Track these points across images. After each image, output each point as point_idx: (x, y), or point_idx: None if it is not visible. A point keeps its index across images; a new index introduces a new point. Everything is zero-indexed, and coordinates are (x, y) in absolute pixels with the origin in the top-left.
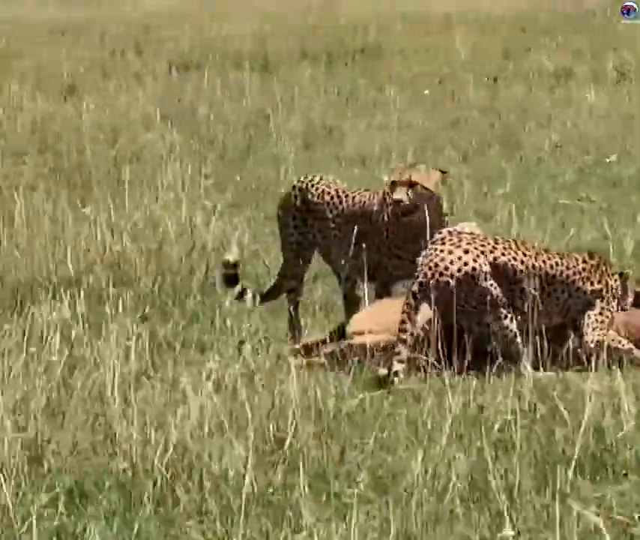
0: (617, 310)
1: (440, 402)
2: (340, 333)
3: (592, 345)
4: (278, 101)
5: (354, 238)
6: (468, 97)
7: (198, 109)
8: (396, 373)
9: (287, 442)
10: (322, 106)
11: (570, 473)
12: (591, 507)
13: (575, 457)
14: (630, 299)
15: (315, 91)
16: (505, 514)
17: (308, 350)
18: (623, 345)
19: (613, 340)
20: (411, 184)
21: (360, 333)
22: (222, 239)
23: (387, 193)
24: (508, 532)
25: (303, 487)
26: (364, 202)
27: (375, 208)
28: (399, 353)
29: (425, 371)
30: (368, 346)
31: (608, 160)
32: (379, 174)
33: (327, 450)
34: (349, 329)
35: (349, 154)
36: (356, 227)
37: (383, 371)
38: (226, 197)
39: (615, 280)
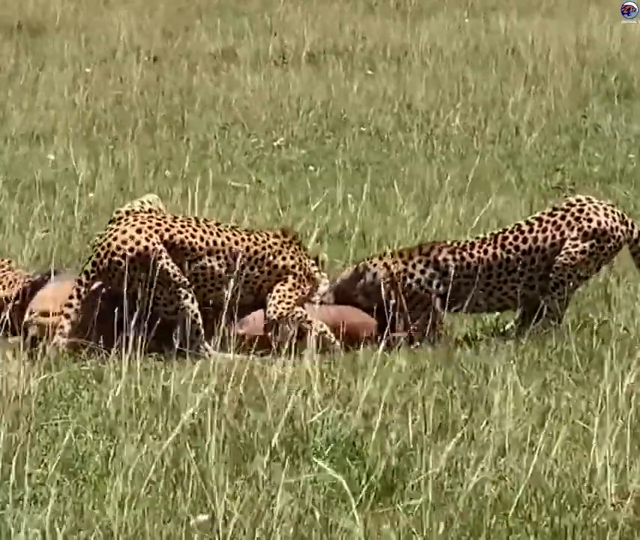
0: (316, 301)
1: (126, 386)
2: None
3: (274, 316)
4: None
5: None
6: (131, 77)
7: None
8: (55, 345)
9: None
10: None
11: (265, 459)
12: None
13: (273, 443)
14: (326, 288)
15: None
16: (200, 498)
17: None
18: (310, 323)
19: (300, 317)
20: None
21: (44, 313)
22: None
23: None
24: (203, 516)
25: None
26: None
27: None
28: (62, 327)
29: (105, 353)
30: (49, 325)
31: (275, 144)
32: (47, 154)
33: (14, 431)
34: (33, 306)
35: (14, 133)
36: None
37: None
38: None
39: (312, 264)
